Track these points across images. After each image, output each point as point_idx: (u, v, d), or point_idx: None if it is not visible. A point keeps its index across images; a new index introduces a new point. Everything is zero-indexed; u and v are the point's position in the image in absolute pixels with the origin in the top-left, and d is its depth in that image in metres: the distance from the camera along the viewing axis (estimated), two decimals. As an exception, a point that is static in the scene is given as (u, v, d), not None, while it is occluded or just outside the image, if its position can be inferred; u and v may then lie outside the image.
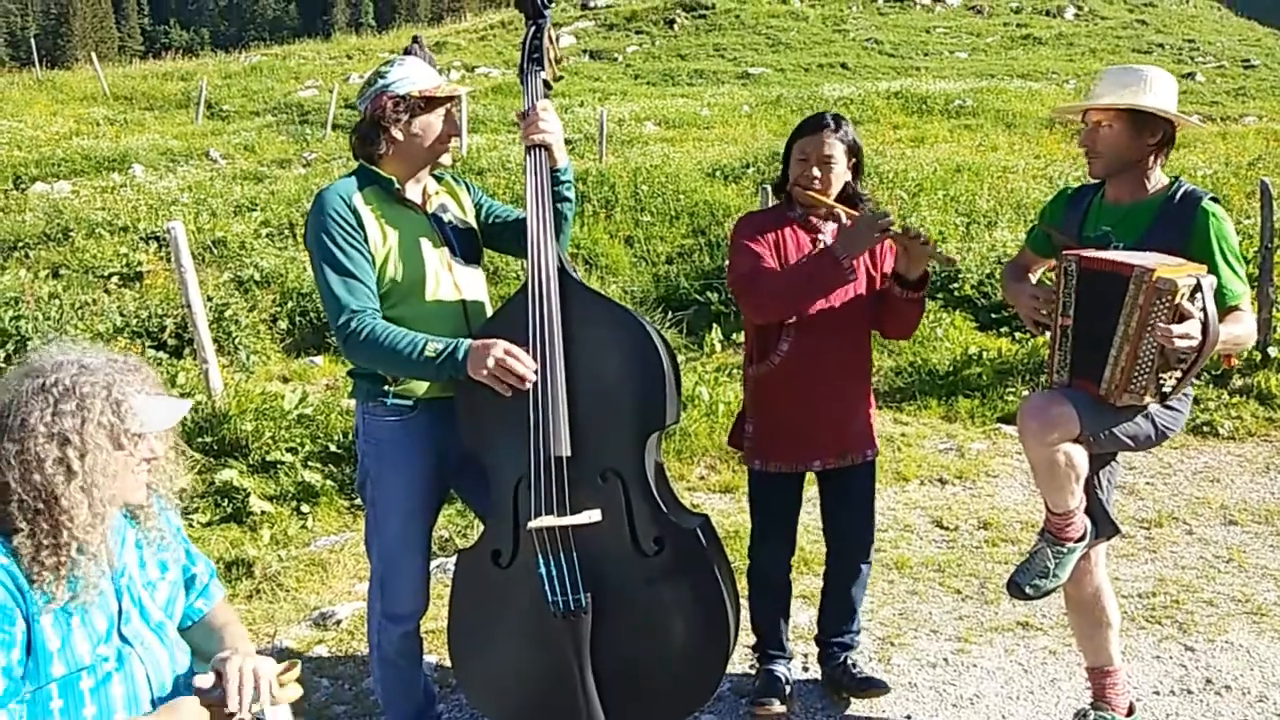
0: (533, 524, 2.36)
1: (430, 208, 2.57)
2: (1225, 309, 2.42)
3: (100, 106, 20.03)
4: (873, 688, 3.02)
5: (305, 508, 4.70)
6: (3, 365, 6.01)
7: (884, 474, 5.12)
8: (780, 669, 3.07)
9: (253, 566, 4.15)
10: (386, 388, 2.47)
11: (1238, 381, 5.98)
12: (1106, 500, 2.72)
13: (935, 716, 3.00)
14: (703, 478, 5.22)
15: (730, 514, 4.67)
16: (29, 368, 1.73)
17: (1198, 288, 2.26)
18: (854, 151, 2.85)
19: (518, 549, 2.46)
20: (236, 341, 7.31)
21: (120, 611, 1.79)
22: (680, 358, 7.09)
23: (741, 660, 3.23)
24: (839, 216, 2.79)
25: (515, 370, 2.29)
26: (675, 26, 26.41)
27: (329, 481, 4.85)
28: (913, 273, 2.76)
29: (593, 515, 2.39)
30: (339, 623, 3.74)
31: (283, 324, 7.96)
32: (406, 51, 20.18)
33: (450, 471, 2.61)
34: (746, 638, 3.14)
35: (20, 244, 9.83)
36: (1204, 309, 2.27)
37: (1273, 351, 6.09)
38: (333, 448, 5.08)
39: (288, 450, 5.04)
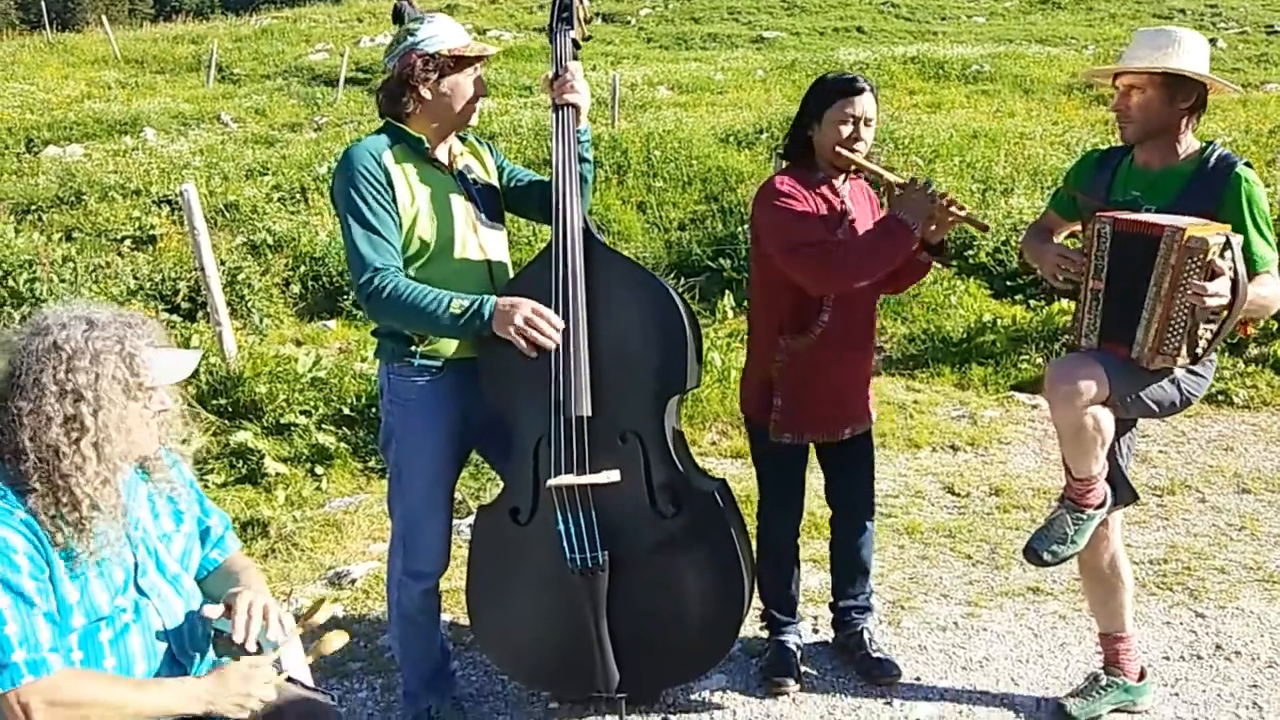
0: (552, 482, 2.38)
1: (457, 167, 2.56)
2: (1252, 275, 2.39)
3: (111, 70, 19.96)
4: (883, 673, 3.01)
5: (319, 470, 4.73)
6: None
7: (895, 440, 5.12)
8: (791, 640, 3.09)
9: (268, 526, 4.19)
10: (414, 348, 2.46)
11: (1253, 350, 5.94)
12: (1126, 466, 2.72)
13: (944, 679, 3.02)
14: (714, 443, 5.23)
15: (742, 479, 4.67)
16: (36, 327, 1.73)
17: (1227, 244, 2.25)
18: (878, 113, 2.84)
19: (537, 506, 2.48)
20: (249, 305, 7.33)
21: (136, 564, 1.81)
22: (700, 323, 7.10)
23: (752, 622, 3.25)
24: (887, 181, 2.74)
25: (542, 329, 2.29)
26: (688, -11, 26.10)
27: (343, 444, 4.87)
28: (936, 236, 2.74)
29: (612, 475, 2.40)
30: (354, 582, 3.78)
31: (295, 288, 7.96)
32: (395, 11, 19.84)
33: (474, 432, 2.62)
34: (757, 601, 3.16)
35: (34, 207, 9.83)
36: (1234, 266, 2.26)
37: (1289, 321, 6.04)
38: (346, 411, 5.10)
39: (301, 413, 5.06)
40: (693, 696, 2.93)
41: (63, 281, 7.07)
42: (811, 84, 2.84)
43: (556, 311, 2.34)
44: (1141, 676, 2.82)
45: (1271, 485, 4.46)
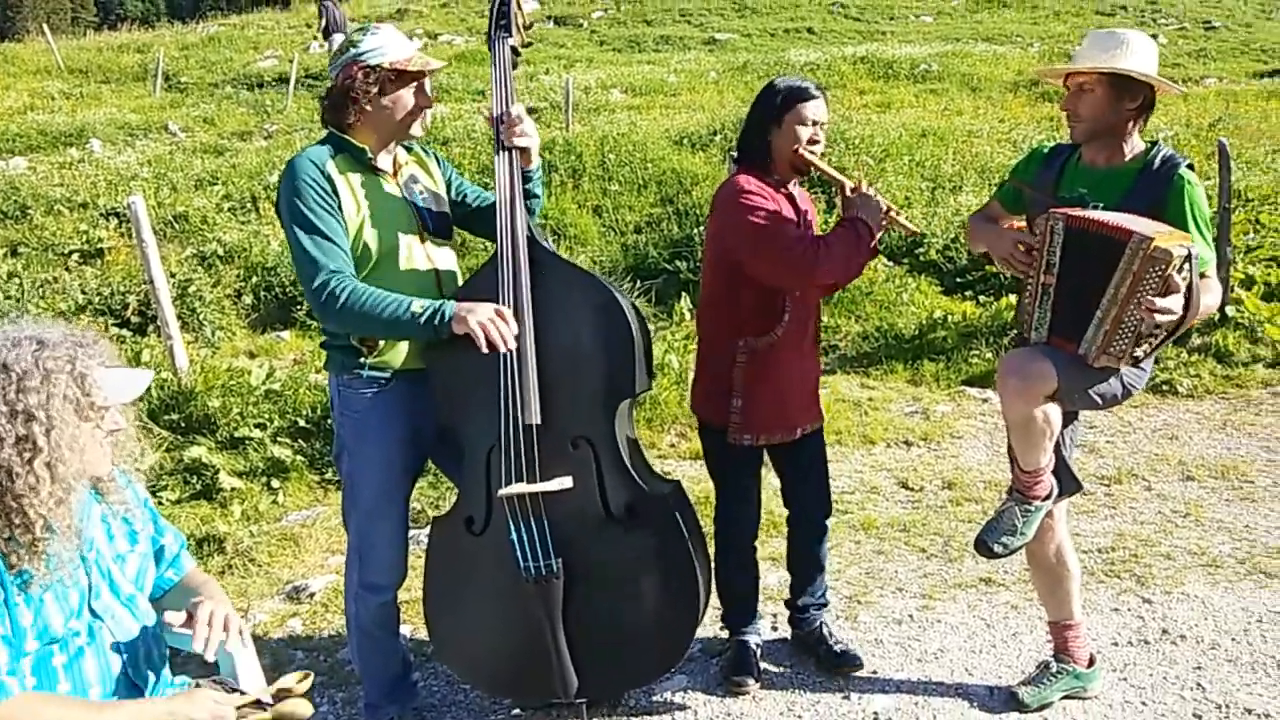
0: (503, 491, 2.39)
1: (400, 178, 2.55)
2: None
3: (55, 80, 19.55)
4: (845, 663, 3.07)
5: (275, 483, 4.69)
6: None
7: (851, 437, 5.19)
8: (751, 638, 3.12)
9: (224, 542, 4.15)
10: (363, 359, 2.46)
11: (1196, 340, 6.10)
12: (1070, 458, 2.79)
13: (900, 671, 3.07)
14: (673, 445, 5.26)
15: (700, 480, 4.70)
16: None
17: (1188, 258, 2.29)
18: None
19: (490, 516, 2.48)
20: (201, 318, 7.24)
21: (90, 586, 1.80)
22: (650, 326, 7.13)
23: (712, 621, 3.28)
24: (845, 185, 2.81)
25: (503, 331, 2.30)
26: (640, -8, 26.14)
27: (299, 457, 4.84)
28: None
29: (564, 482, 2.42)
30: (312, 595, 3.75)
31: (248, 299, 7.88)
32: (321, 10, 19.22)
33: (426, 442, 2.62)
34: (716, 601, 3.19)
35: (-24, 222, 9.62)
36: (1189, 281, 2.31)
37: (1230, 311, 6.21)
38: (301, 423, 5.06)
39: (256, 426, 5.01)
40: (654, 698, 2.95)
41: (8, 298, 6.94)
42: (763, 89, 2.86)
43: None
44: (1091, 663, 2.89)
45: (1214, 472, 4.58)
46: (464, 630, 2.61)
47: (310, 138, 13.01)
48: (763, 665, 3.09)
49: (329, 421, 4.90)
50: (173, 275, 7.16)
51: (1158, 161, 2.53)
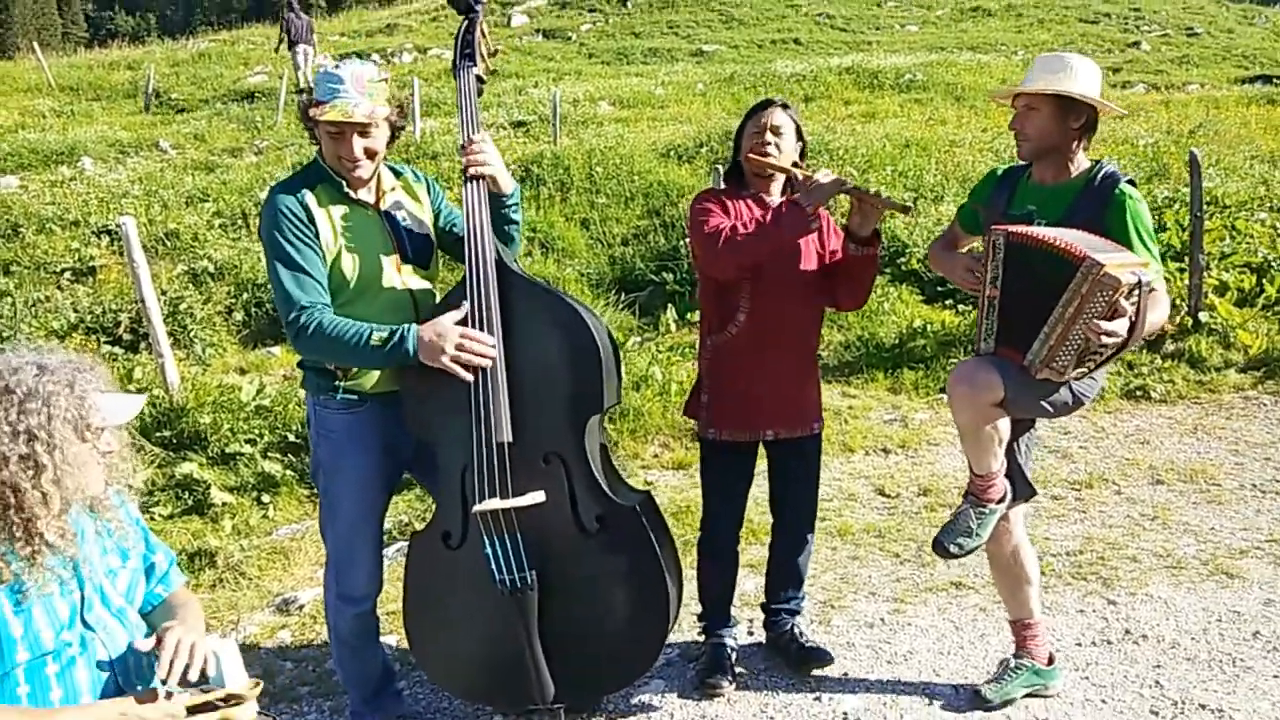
0: (478, 507, 2.48)
1: (384, 204, 2.63)
2: None
3: (45, 98, 19.63)
4: (815, 660, 3.17)
5: (266, 497, 4.79)
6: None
7: (831, 445, 5.29)
8: (727, 641, 3.22)
9: (215, 556, 4.24)
10: (337, 382, 2.56)
11: (1170, 346, 6.22)
12: (1025, 464, 2.89)
13: (871, 673, 3.17)
14: (656, 455, 5.36)
15: (683, 489, 4.82)
16: None
17: (1137, 285, 2.38)
18: (799, 134, 3.02)
19: (466, 531, 2.58)
20: (192, 334, 7.32)
21: (83, 599, 1.89)
22: (636, 338, 7.23)
23: (690, 627, 3.38)
24: (796, 177, 2.92)
25: (475, 350, 2.39)
26: (629, 4, 26.35)
27: (289, 471, 4.93)
28: (865, 229, 2.89)
29: (536, 497, 2.51)
30: (301, 608, 3.84)
31: (238, 315, 7.97)
32: (283, 20, 18.86)
33: (402, 458, 2.72)
34: (695, 605, 3.28)
35: (-32, 241, 9.70)
36: (1137, 307, 2.41)
37: (1203, 317, 6.33)
38: (291, 437, 5.16)
39: (247, 441, 5.11)
40: (631, 701, 3.04)
41: (1, 318, 7.02)
42: None
43: None
44: (1050, 661, 2.99)
45: (1184, 476, 4.69)
46: (443, 641, 2.71)
47: (301, 153, 13.11)
48: (738, 669, 3.18)
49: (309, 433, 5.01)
50: (164, 293, 7.24)
51: (1099, 178, 2.66)
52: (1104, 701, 2.95)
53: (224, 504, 4.70)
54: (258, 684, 1.93)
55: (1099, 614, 3.48)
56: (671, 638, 3.08)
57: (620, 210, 10.21)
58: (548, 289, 2.65)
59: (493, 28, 24.70)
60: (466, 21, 2.69)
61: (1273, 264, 6.94)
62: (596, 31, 24.60)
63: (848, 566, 3.96)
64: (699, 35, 23.62)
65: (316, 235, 2.46)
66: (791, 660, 3.21)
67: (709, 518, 3.19)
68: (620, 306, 8.02)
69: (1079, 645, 3.28)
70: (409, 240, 2.63)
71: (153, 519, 4.54)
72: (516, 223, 2.71)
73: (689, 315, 7.48)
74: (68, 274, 8.69)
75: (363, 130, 2.46)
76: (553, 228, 9.73)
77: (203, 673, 1.92)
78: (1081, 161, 2.75)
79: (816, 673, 3.15)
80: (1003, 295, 2.59)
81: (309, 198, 2.49)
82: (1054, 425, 5.19)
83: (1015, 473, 2.78)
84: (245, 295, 8.14)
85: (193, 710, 1.84)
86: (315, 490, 4.82)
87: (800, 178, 2.89)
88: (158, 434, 5.16)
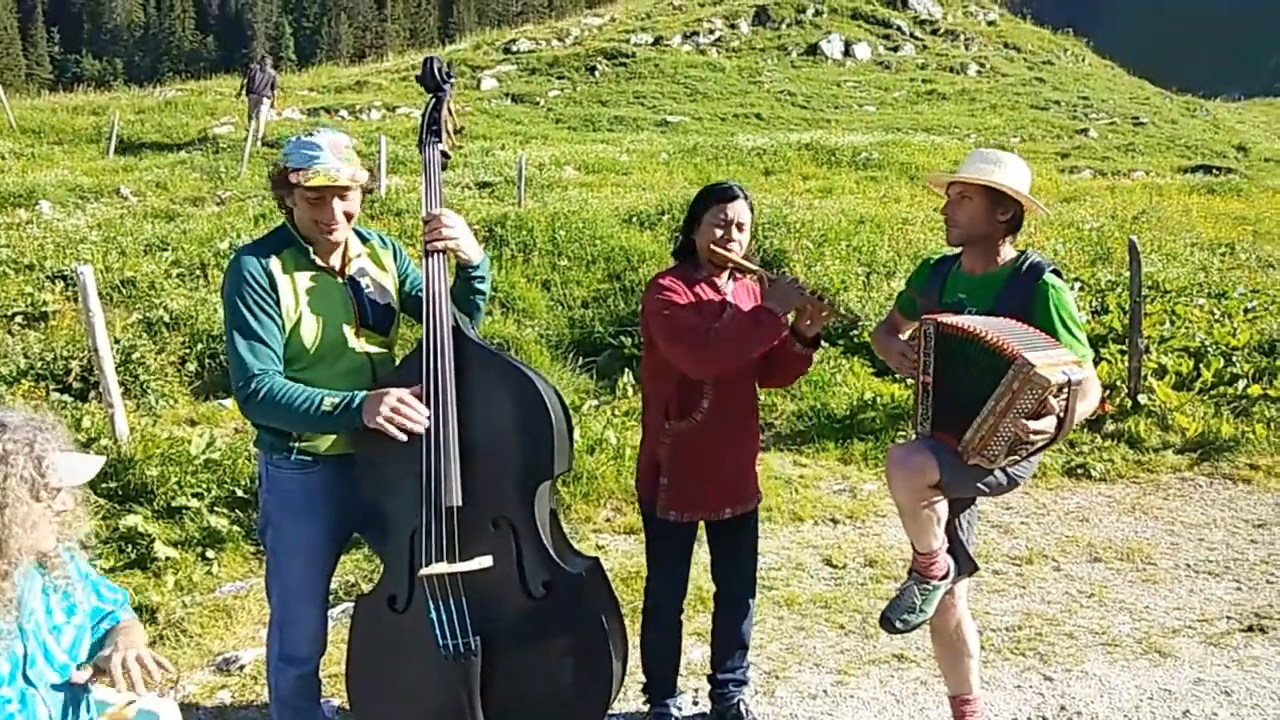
0: (424, 571, 2.50)
1: (350, 270, 2.67)
2: None
3: (6, 139, 19.47)
4: None
5: (210, 553, 4.72)
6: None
7: (780, 514, 5.36)
8: (672, 711, 3.24)
9: (156, 613, 4.17)
10: (292, 443, 2.58)
11: (1110, 426, 6.40)
12: (967, 540, 2.97)
13: (812, 746, 3.20)
14: (609, 520, 5.38)
15: (634, 554, 4.84)
16: None
17: (1066, 385, 2.47)
18: (753, 218, 3.10)
19: (413, 594, 2.59)
20: (144, 384, 7.24)
21: (26, 654, 1.89)
22: (592, 400, 7.28)
23: (635, 696, 3.39)
24: (760, 277, 3.00)
25: (409, 415, 2.42)
26: (596, 73, 26.88)
27: (235, 527, 4.88)
28: (811, 330, 2.98)
29: (484, 561, 2.54)
30: (242, 668, 3.79)
31: (191, 366, 7.89)
32: (251, 82, 19.33)
33: (352, 521, 2.73)
34: (641, 674, 3.30)
35: (-82, 282, 9.53)
36: (1066, 404, 2.50)
37: (1142, 399, 6.54)
38: (239, 492, 5.11)
39: (194, 495, 5.05)
40: (573, 771, 3.03)
41: (-53, 361, 6.90)
42: (697, 194, 3.10)
43: (427, 405, 2.48)
44: (987, 737, 3.04)
45: (1121, 554, 4.81)
46: (386, 705, 2.69)
47: (263, 204, 13.11)
48: (681, 740, 3.19)
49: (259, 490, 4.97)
50: (117, 341, 7.17)
51: (1025, 267, 2.79)
52: (1038, 777, 3.00)
53: (167, 559, 4.63)
54: (132, 703, 1.94)
55: (1036, 690, 3.55)
56: (616, 707, 3.10)
57: (581, 273, 10.33)
58: (502, 357, 2.70)
59: (462, 89, 25.06)
60: (434, 99, 2.76)
61: (1209, 349, 7.20)
62: (564, 98, 25.03)
63: (793, 636, 3.99)
64: (664, 106, 24.13)
65: (277, 302, 2.50)
66: None
67: (655, 592, 3.22)
68: (578, 369, 8.08)
69: (1016, 720, 3.34)
70: (370, 308, 2.68)
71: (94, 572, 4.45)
72: (483, 292, 2.76)
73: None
74: (19, 318, 8.57)
75: (342, 194, 2.52)
76: (514, 288, 9.81)
77: None
78: (1008, 252, 2.88)
79: (759, 746, 3.17)
80: (935, 382, 2.69)
81: (274, 263, 2.53)
82: (996, 501, 5.30)
83: (957, 548, 2.86)
84: (200, 346, 8.07)
85: None
86: (261, 547, 4.78)
87: (766, 280, 2.97)
88: (103, 485, 5.08)
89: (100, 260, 9.77)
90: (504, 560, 2.55)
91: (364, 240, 2.76)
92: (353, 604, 3.61)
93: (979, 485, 2.74)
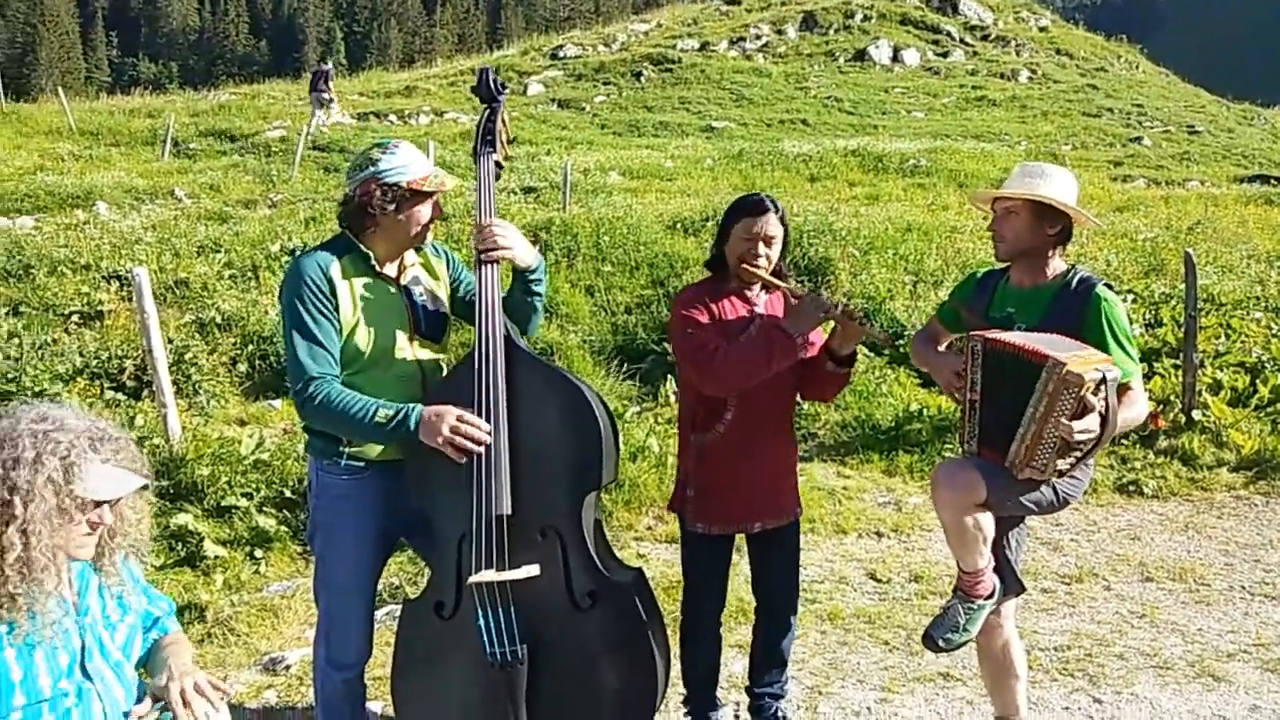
0: (473, 578, 2.51)
1: (404, 279, 2.72)
2: (1122, 389, 2.64)
3: (66, 141, 19.98)
4: None
5: (259, 553, 4.79)
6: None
7: (824, 526, 5.32)
8: None
9: (205, 611, 4.24)
10: (342, 449, 2.62)
11: (1163, 443, 6.27)
12: (1015, 560, 2.93)
13: (855, 763, 3.17)
14: (650, 528, 5.37)
15: (675, 564, 4.80)
16: (9, 413, 1.89)
17: (1103, 381, 2.45)
18: (786, 231, 3.07)
19: (460, 601, 2.61)
20: (196, 384, 7.37)
21: (84, 648, 1.94)
22: (634, 407, 7.28)
23: (676, 708, 3.38)
24: (787, 294, 2.96)
25: (470, 435, 2.45)
26: (642, 79, 26.96)
27: (283, 527, 4.95)
28: (845, 349, 2.94)
29: (531, 570, 2.54)
30: (288, 668, 3.84)
31: (242, 367, 8.03)
32: (313, 80, 21.01)
33: (399, 528, 2.76)
34: (682, 686, 3.29)
35: (-20, 280, 9.81)
36: (1105, 402, 2.47)
37: (1196, 415, 6.40)
38: (288, 493, 5.18)
39: (243, 495, 5.13)
40: (614, 781, 3.03)
41: (8, 359, 7.08)
42: (729, 206, 3.06)
43: (479, 416, 2.50)
44: (1035, 760, 2.99)
45: (1173, 574, 4.71)
46: (430, 711, 2.71)
47: (314, 208, 13.31)
48: (722, 752, 3.18)
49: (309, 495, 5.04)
50: (170, 341, 7.32)
51: (1075, 281, 2.75)
52: (1087, 803, 2.94)
53: (216, 558, 4.71)
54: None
55: (1084, 712, 3.48)
56: (658, 717, 3.08)
57: (625, 279, 10.34)
58: (552, 367, 2.72)
59: (509, 95, 25.26)
60: (489, 110, 2.79)
61: (1266, 364, 7.03)
62: (610, 103, 25.14)
63: (836, 652, 3.96)
64: (709, 111, 24.14)
65: (336, 308, 2.54)
66: None
67: (691, 604, 3.20)
68: (621, 376, 8.09)
69: (1064, 743, 3.28)
70: (424, 316, 2.72)
71: (145, 569, 4.54)
72: (540, 294, 2.77)
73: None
74: (75, 317, 8.78)
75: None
76: (557, 293, 9.85)
77: None
78: (1057, 265, 2.84)
79: (801, 761, 3.15)
80: (982, 399, 2.66)
81: (334, 268, 2.57)
82: (1046, 518, 5.21)
83: (1004, 568, 2.82)
84: (250, 347, 8.21)
85: None
86: (308, 548, 4.86)
87: (791, 297, 2.93)
88: (156, 483, 5.16)
89: (154, 261, 9.98)
90: (551, 569, 2.56)
91: (417, 249, 2.79)
92: (397, 607, 3.66)
93: (1026, 503, 2.70)
